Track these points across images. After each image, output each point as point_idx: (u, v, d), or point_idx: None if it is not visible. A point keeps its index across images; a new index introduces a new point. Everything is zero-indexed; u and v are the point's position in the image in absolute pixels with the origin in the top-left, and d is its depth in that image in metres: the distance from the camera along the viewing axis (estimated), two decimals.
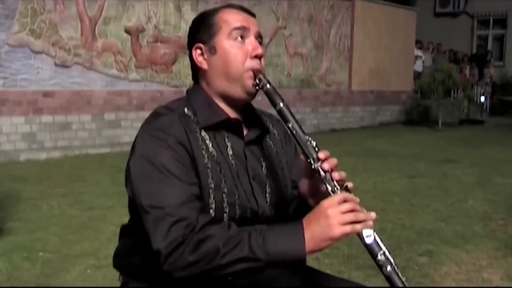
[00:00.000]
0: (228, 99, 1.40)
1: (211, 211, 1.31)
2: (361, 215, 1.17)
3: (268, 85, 1.35)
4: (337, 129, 11.99)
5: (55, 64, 7.82)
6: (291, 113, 1.34)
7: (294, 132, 1.32)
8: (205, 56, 1.40)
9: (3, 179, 5.92)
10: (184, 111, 1.38)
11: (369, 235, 1.17)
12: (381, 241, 1.18)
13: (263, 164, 1.46)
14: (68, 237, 3.97)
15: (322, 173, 1.26)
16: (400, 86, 13.93)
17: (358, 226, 1.16)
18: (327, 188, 1.25)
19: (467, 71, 16.06)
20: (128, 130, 8.39)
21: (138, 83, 8.75)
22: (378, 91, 13.20)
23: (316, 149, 1.29)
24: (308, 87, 11.52)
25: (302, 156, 1.33)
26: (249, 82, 1.37)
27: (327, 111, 12.00)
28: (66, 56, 7.91)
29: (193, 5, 9.23)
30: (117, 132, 8.46)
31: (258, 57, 1.38)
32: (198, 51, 1.42)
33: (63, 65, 7.90)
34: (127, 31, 8.50)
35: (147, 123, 1.38)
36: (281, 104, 1.34)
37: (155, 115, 1.39)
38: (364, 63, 12.76)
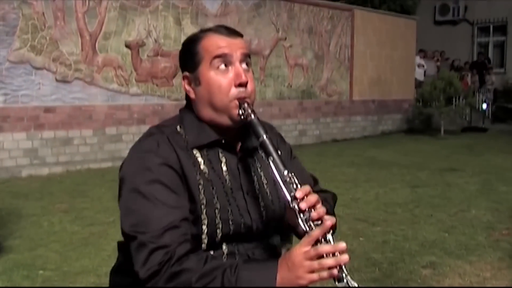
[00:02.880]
0: (217, 126, 1.40)
1: (203, 227, 1.32)
2: (328, 262, 1.14)
3: (252, 115, 1.33)
4: (339, 139, 11.97)
5: (56, 80, 7.84)
6: (273, 145, 1.31)
7: (274, 167, 1.28)
8: (192, 86, 1.40)
9: (5, 196, 5.91)
10: (176, 129, 1.39)
11: (340, 279, 1.15)
12: (353, 281, 1.16)
13: (257, 177, 1.45)
14: (69, 254, 3.95)
15: (298, 213, 1.22)
16: (402, 95, 13.92)
17: (325, 274, 1.14)
18: (302, 228, 1.22)
19: (468, 79, 16.05)
20: (129, 144, 8.32)
21: (139, 97, 8.76)
22: (379, 100, 13.19)
23: (296, 186, 1.25)
24: (309, 97, 11.52)
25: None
26: (235, 112, 1.35)
27: (329, 121, 11.99)
28: (67, 71, 7.93)
29: (193, 18, 9.28)
30: (118, 146, 8.46)
31: (242, 85, 1.36)
32: (186, 80, 1.41)
33: (64, 81, 7.91)
34: (127, 45, 8.53)
35: (136, 145, 1.39)
36: (264, 137, 1.31)
37: (144, 136, 1.40)
38: (365, 72, 12.77)
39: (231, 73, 1.35)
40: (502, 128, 14.30)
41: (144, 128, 7.86)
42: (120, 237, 1.36)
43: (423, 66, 15.25)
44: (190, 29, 9.11)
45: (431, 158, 9.19)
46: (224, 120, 1.37)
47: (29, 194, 6.08)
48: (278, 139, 1.57)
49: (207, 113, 1.39)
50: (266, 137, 1.31)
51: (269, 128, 1.52)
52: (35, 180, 6.96)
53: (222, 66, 1.35)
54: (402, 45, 13.85)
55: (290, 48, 10.95)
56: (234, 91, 1.35)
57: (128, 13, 8.54)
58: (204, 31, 1.41)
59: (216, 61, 1.35)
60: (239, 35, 1.42)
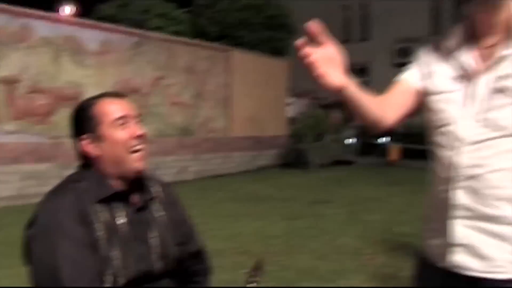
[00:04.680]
0: (118, 176, 1.60)
1: (108, 276, 1.49)
2: None
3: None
4: (219, 175, 12.29)
5: None
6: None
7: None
8: (93, 145, 1.60)
9: None
10: (80, 186, 1.57)
11: None
12: None
13: (152, 227, 1.66)
14: None
15: None
16: (276, 131, 14.66)
17: None
18: None
19: (336, 116, 17.32)
20: (4, 184, 7.99)
21: (14, 135, 8.43)
22: (255, 136, 13.79)
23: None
24: (189, 134, 11.78)
25: None
26: (136, 163, 1.60)
27: (208, 158, 12.30)
28: None
29: (72, 56, 9.17)
30: None
31: (139, 138, 1.61)
32: (85, 141, 1.61)
33: None
34: (1, 82, 8.22)
35: (43, 203, 1.54)
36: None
37: (51, 193, 1.57)
38: (242, 110, 13.33)
39: (129, 129, 1.60)
40: (366, 161, 15.55)
41: (20, 167, 7.53)
42: None
43: (294, 103, 16.25)
44: (68, 66, 9.02)
45: (304, 191, 9.80)
46: (125, 170, 1.59)
47: None
48: (171, 200, 1.80)
49: (110, 166, 1.59)
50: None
51: (162, 186, 1.79)
52: None
53: (121, 125, 1.60)
54: (275, 85, 14.68)
55: (170, 87, 11.18)
56: (133, 142, 1.60)
57: (2, 48, 8.26)
58: (94, 98, 1.65)
59: (116, 121, 1.59)
60: (125, 96, 1.70)
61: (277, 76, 14.82)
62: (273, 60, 14.79)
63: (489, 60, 1.42)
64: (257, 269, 1.82)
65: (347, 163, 15.09)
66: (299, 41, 1.19)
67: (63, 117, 8.54)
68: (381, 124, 1.53)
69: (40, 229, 1.48)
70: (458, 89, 1.47)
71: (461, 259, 1.43)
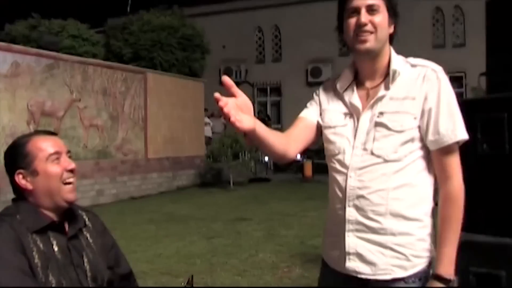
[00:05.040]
0: (52, 207, 1.77)
1: None
2: None
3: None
4: (137, 197, 12.24)
5: None
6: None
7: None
8: (28, 179, 1.75)
9: None
10: (16, 218, 1.71)
11: None
12: None
13: (84, 253, 1.83)
14: None
15: None
16: (194, 151, 14.82)
17: None
18: None
19: None
20: None
21: None
22: (173, 157, 13.88)
23: None
24: (105, 157, 11.68)
25: None
26: (68, 195, 1.77)
27: (126, 180, 12.23)
28: None
29: None
30: None
31: (71, 171, 1.79)
32: (21, 176, 1.76)
33: None
34: None
35: None
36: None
37: None
38: (159, 131, 13.39)
39: (61, 164, 1.78)
40: (282, 178, 16.04)
41: None
42: None
43: (210, 123, 16.51)
44: None
45: (223, 209, 10.02)
46: (58, 201, 1.76)
47: None
48: (101, 229, 1.99)
49: (44, 198, 1.75)
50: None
51: (92, 216, 1.98)
52: None
53: (55, 160, 1.77)
54: (192, 105, 14.87)
55: (85, 109, 11.07)
56: (65, 175, 1.78)
57: None
58: (26, 136, 1.82)
59: (51, 157, 1.76)
60: (55, 133, 1.89)
61: (194, 97, 15.03)
62: (189, 81, 15.00)
63: (371, 99, 1.76)
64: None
65: (264, 180, 15.51)
66: (216, 94, 1.45)
67: None
68: (285, 158, 1.81)
69: None
70: (347, 124, 1.80)
71: (353, 265, 1.74)
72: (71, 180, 1.79)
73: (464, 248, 2.56)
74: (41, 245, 1.69)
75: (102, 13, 18.05)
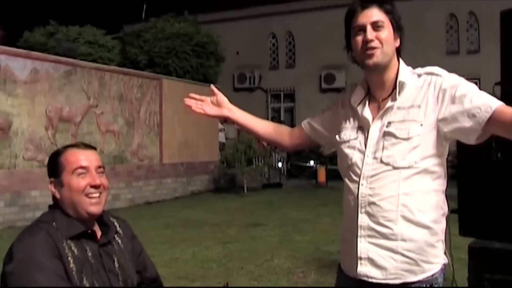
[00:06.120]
0: (78, 217, 1.86)
1: None
2: None
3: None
4: (152, 202, 12.36)
5: None
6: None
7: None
8: (57, 188, 1.87)
9: None
10: (53, 225, 1.82)
11: None
12: None
13: (115, 259, 1.93)
14: None
15: None
16: (208, 157, 14.92)
17: None
18: None
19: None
20: None
21: None
22: (188, 162, 13.99)
23: None
24: (121, 162, 11.82)
25: None
26: (91, 208, 1.86)
27: (141, 185, 12.36)
28: None
29: (1, 85, 9.08)
30: None
31: (96, 187, 1.87)
32: (52, 184, 1.88)
33: None
34: None
35: (20, 242, 1.76)
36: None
37: (27, 233, 1.79)
38: (174, 137, 13.52)
39: (87, 178, 1.86)
40: (295, 183, 16.10)
41: None
42: None
43: (224, 129, 16.63)
44: None
45: (238, 214, 10.09)
46: (82, 213, 1.86)
47: None
48: (131, 235, 2.09)
49: (69, 209, 1.86)
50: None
51: (122, 222, 2.08)
52: None
53: (81, 173, 1.86)
54: None
55: (102, 115, 11.23)
56: (89, 190, 1.86)
57: None
58: (66, 147, 1.93)
59: (77, 170, 1.86)
60: (93, 148, 1.97)
61: None
62: (203, 87, 15.10)
63: (380, 110, 1.86)
64: None
65: (277, 185, 15.57)
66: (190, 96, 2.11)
67: None
68: (279, 145, 2.23)
69: (17, 265, 1.69)
70: (358, 136, 1.91)
71: (365, 270, 1.82)
72: (95, 195, 1.86)
73: (478, 255, 2.62)
74: (75, 251, 1.79)
75: (118, 19, 18.27)
